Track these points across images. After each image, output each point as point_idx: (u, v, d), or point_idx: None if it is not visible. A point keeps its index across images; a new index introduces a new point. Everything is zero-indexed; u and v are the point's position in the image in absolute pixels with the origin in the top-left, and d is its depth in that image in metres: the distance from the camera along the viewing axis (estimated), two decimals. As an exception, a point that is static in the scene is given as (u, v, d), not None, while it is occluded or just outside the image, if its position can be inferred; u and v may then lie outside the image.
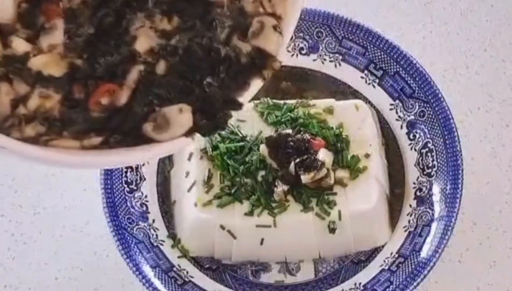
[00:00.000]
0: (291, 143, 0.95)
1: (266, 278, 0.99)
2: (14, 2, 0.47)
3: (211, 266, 0.98)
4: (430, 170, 0.99)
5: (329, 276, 0.99)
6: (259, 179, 0.96)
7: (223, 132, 0.97)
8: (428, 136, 1.00)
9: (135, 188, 0.99)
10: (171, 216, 1.00)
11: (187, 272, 0.95)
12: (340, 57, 1.06)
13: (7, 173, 1.08)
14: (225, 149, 0.97)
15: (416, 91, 1.02)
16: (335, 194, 0.95)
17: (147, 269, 0.92)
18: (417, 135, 1.02)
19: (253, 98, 0.56)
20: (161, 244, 0.97)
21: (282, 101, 1.03)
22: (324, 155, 0.94)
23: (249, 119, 1.01)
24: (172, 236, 0.98)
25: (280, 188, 0.94)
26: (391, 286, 0.92)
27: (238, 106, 0.53)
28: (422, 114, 1.02)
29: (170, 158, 1.03)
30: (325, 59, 1.07)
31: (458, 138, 0.98)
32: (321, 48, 1.07)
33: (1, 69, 0.47)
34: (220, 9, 0.53)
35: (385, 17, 1.23)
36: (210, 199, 0.95)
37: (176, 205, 1.00)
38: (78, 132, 0.49)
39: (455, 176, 0.96)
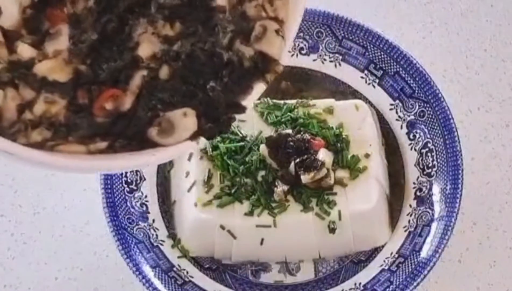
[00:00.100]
0: (291, 143, 0.95)
1: (266, 278, 0.99)
2: (19, 8, 0.47)
3: (211, 266, 0.98)
4: (430, 170, 0.99)
5: (329, 276, 0.99)
6: (259, 179, 0.96)
7: (223, 133, 0.97)
8: (428, 136, 1.00)
9: (135, 188, 0.99)
10: (171, 216, 1.00)
11: (187, 272, 0.95)
12: (340, 57, 1.06)
13: (7, 173, 1.08)
14: (225, 149, 0.97)
15: (416, 91, 1.02)
16: (335, 194, 0.95)
17: (147, 269, 0.92)
18: (417, 135, 1.02)
19: (254, 98, 0.56)
20: (161, 244, 0.97)
21: (282, 101, 1.03)
22: (324, 155, 0.94)
23: (249, 119, 1.01)
24: (172, 236, 0.98)
25: (280, 188, 0.94)
26: (391, 286, 0.92)
27: (242, 110, 0.53)
28: (422, 114, 1.02)
29: (170, 158, 1.03)
30: (325, 59, 1.07)
31: (458, 138, 0.98)
32: (321, 48, 1.07)
33: (7, 74, 0.48)
34: (222, 14, 0.53)
35: (385, 17, 1.23)
36: (210, 199, 0.95)
37: (176, 205, 1.00)
38: (83, 137, 0.49)
39: (455, 176, 0.96)
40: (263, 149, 0.96)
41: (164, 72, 0.50)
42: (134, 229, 0.95)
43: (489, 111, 1.14)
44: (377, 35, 1.04)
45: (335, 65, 1.07)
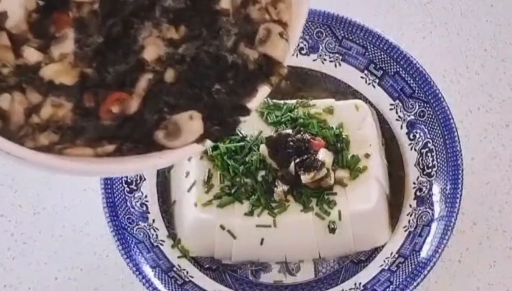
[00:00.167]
0: (291, 143, 0.95)
1: (266, 278, 0.99)
2: (25, 12, 0.47)
3: (211, 266, 0.98)
4: (430, 170, 0.99)
5: (329, 276, 0.99)
6: (259, 179, 0.96)
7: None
8: (428, 136, 1.00)
9: (135, 188, 0.99)
10: (171, 216, 1.00)
11: (187, 272, 0.95)
12: (340, 57, 1.06)
13: (7, 173, 1.07)
14: (225, 149, 0.97)
15: (416, 91, 1.02)
16: (335, 194, 0.95)
17: (147, 269, 0.92)
18: (417, 135, 1.02)
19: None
20: (161, 244, 0.97)
21: (282, 101, 1.03)
22: (324, 155, 0.95)
23: (249, 119, 0.98)
24: (172, 236, 0.98)
25: (280, 188, 0.94)
26: (391, 286, 0.92)
27: (247, 112, 0.54)
28: (422, 114, 1.02)
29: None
30: (325, 59, 1.07)
31: (458, 138, 0.98)
32: (321, 48, 1.07)
33: (14, 78, 0.47)
34: (226, 18, 0.53)
35: (385, 17, 1.23)
36: (210, 199, 0.95)
37: (176, 205, 1.00)
38: (90, 141, 0.49)
39: (455, 176, 0.96)
40: (263, 149, 0.96)
41: (169, 75, 0.50)
42: (134, 229, 0.95)
43: (489, 111, 1.14)
44: (377, 35, 1.04)
45: (335, 65, 1.07)
